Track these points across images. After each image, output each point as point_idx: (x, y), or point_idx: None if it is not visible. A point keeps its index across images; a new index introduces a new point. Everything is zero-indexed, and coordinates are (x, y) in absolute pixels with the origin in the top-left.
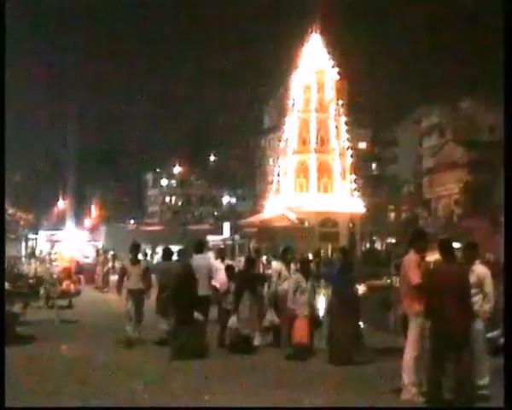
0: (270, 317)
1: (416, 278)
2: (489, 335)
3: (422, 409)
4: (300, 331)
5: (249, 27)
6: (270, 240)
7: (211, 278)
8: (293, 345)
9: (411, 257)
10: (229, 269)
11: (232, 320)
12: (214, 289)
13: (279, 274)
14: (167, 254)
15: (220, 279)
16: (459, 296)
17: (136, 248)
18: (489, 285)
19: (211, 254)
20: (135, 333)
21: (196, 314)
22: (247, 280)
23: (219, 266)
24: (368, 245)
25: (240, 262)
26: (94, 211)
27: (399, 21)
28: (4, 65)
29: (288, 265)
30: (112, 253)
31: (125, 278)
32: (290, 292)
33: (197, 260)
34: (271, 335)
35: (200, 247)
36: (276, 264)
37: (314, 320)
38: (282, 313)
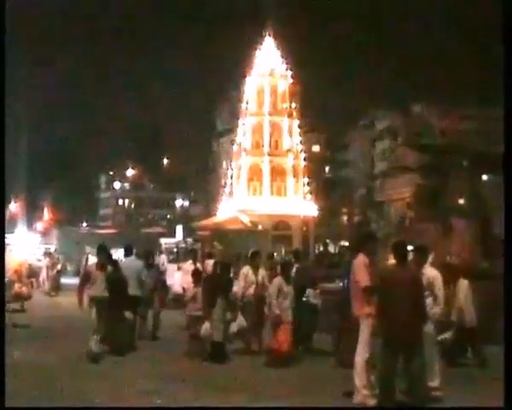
0: (240, 322)
1: (364, 280)
2: (440, 337)
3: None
4: (284, 337)
5: (203, 30)
6: (224, 243)
7: (140, 279)
8: (276, 351)
9: (360, 260)
10: (196, 274)
11: (205, 327)
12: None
13: (245, 278)
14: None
15: (187, 283)
16: (411, 299)
17: (103, 251)
18: (439, 288)
19: (164, 257)
20: (97, 347)
21: (127, 314)
22: (221, 285)
23: (189, 268)
24: (321, 248)
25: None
26: (46, 214)
27: (353, 25)
28: (4, 65)
29: (256, 269)
30: (58, 256)
31: (88, 284)
32: (273, 297)
33: (127, 262)
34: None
35: (130, 250)
36: (244, 268)
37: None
38: (253, 317)
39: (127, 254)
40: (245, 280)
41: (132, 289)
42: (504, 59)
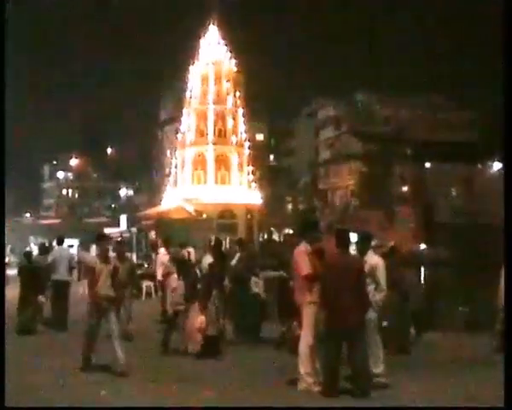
0: None
1: (306, 268)
2: (384, 323)
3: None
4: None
5: (148, 18)
6: (168, 232)
7: (71, 267)
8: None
9: (302, 248)
10: (182, 264)
11: (201, 320)
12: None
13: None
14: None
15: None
16: (353, 286)
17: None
18: (381, 275)
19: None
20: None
21: (40, 297)
22: (217, 277)
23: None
24: (265, 236)
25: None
26: None
27: (298, 14)
28: (4, 65)
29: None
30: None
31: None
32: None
33: (59, 251)
34: None
35: (61, 240)
36: (208, 258)
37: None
38: None
39: (59, 243)
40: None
41: (63, 275)
42: (504, 59)
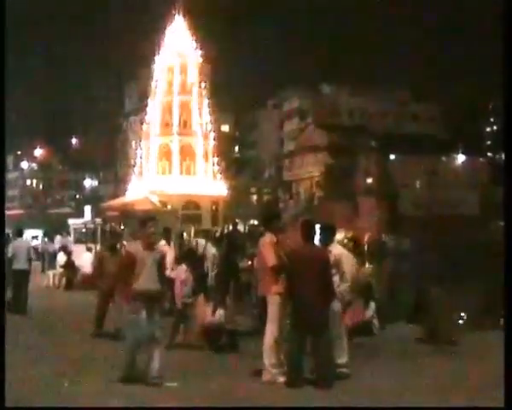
0: None
1: (271, 259)
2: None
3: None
4: None
5: (113, 6)
6: (133, 223)
7: (30, 257)
8: None
9: (267, 239)
10: (190, 255)
11: (219, 314)
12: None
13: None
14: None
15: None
16: (318, 277)
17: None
18: (346, 266)
19: (70, 239)
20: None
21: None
22: (233, 268)
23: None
24: (230, 227)
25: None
26: None
27: (263, 5)
28: (4, 65)
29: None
30: None
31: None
32: None
33: (18, 242)
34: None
35: (20, 232)
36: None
37: None
38: None
39: (18, 235)
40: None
41: (22, 264)
42: (504, 59)
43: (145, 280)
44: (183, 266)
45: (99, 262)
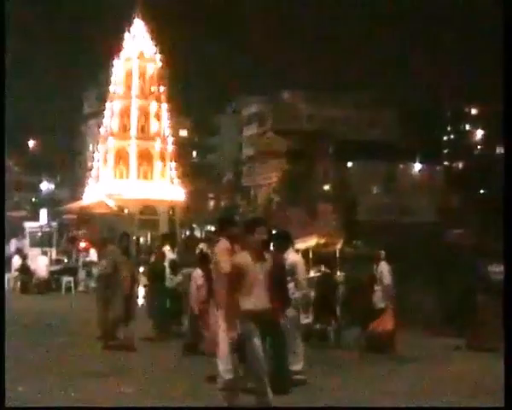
0: None
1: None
2: (304, 321)
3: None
4: None
5: (73, 8)
6: (90, 227)
7: None
8: None
9: (221, 245)
10: (204, 259)
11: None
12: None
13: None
14: None
15: None
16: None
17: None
18: (301, 273)
19: (26, 242)
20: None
21: None
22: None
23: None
24: (187, 233)
25: None
26: None
27: (225, 9)
28: (4, 65)
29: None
30: None
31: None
32: None
33: None
34: None
35: None
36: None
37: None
38: None
39: None
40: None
41: None
42: (504, 59)
43: (257, 298)
44: (199, 271)
45: (113, 267)
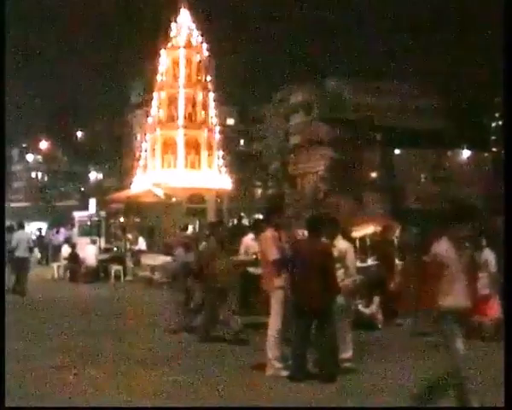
0: None
1: (273, 253)
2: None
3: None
4: None
5: (118, 2)
6: (138, 216)
7: (30, 247)
8: None
9: (268, 233)
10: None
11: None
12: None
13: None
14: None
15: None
16: (321, 271)
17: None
18: (350, 260)
19: (75, 231)
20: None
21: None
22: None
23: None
24: (235, 221)
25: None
26: None
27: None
28: (4, 65)
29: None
30: None
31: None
32: None
33: (19, 233)
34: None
35: (22, 225)
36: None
37: None
38: None
39: (20, 227)
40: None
41: (23, 253)
42: (504, 59)
43: (457, 292)
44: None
45: (207, 258)
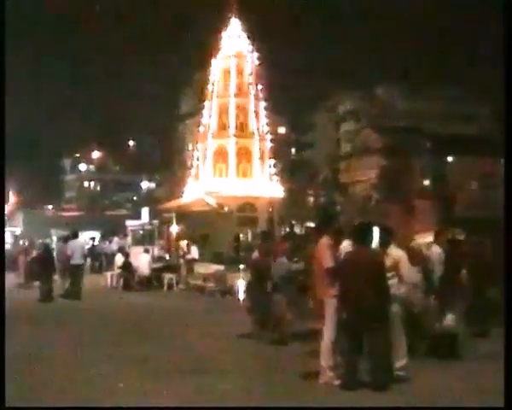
0: None
1: (328, 261)
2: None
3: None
4: None
5: (168, 11)
6: (189, 225)
7: (84, 254)
8: None
9: (324, 241)
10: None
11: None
12: None
13: None
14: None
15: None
16: (373, 280)
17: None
18: (404, 268)
19: (128, 240)
20: None
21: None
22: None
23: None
24: (287, 229)
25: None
26: (11, 197)
27: (320, 7)
28: (4, 65)
29: None
30: (29, 241)
31: None
32: None
33: (74, 242)
34: None
35: (76, 234)
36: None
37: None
38: None
39: (74, 236)
40: None
41: (77, 260)
42: (504, 59)
43: None
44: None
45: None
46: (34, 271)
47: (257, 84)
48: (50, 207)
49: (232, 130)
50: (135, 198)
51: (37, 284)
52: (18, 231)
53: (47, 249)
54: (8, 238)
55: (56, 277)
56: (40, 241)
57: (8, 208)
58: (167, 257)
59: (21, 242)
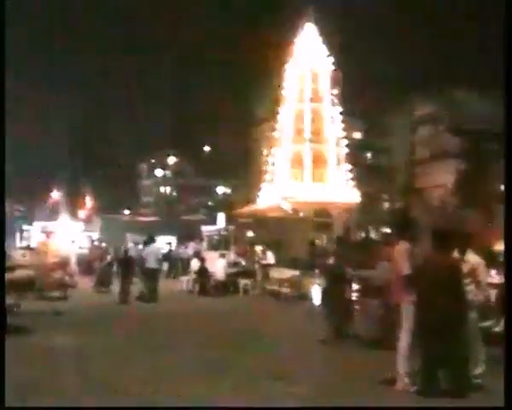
0: None
1: (405, 268)
2: (484, 324)
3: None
4: None
5: (244, 16)
6: (266, 230)
7: (158, 258)
8: None
9: (401, 247)
10: None
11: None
12: None
13: None
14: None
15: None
16: (450, 286)
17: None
18: (482, 274)
19: (204, 245)
20: None
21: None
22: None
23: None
24: (363, 235)
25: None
26: (88, 202)
27: (395, 9)
28: (4, 65)
29: None
30: (105, 246)
31: None
32: None
33: (151, 247)
34: None
35: (152, 239)
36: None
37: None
38: None
39: (151, 241)
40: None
41: (153, 264)
42: (506, 58)
43: None
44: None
45: None
46: (107, 276)
47: (332, 89)
48: (127, 211)
49: (308, 135)
50: (210, 203)
51: (108, 288)
52: (95, 235)
53: (127, 254)
54: (86, 243)
55: (136, 279)
56: (121, 246)
57: (85, 213)
58: (243, 262)
59: (97, 245)
